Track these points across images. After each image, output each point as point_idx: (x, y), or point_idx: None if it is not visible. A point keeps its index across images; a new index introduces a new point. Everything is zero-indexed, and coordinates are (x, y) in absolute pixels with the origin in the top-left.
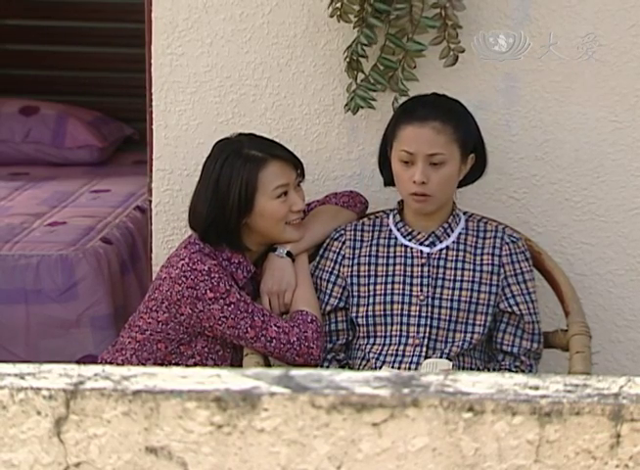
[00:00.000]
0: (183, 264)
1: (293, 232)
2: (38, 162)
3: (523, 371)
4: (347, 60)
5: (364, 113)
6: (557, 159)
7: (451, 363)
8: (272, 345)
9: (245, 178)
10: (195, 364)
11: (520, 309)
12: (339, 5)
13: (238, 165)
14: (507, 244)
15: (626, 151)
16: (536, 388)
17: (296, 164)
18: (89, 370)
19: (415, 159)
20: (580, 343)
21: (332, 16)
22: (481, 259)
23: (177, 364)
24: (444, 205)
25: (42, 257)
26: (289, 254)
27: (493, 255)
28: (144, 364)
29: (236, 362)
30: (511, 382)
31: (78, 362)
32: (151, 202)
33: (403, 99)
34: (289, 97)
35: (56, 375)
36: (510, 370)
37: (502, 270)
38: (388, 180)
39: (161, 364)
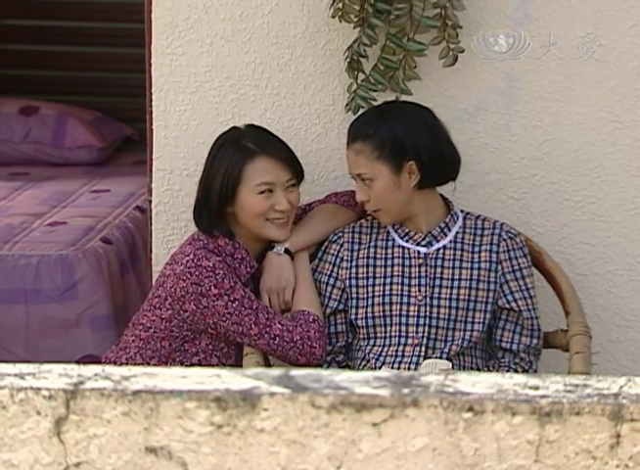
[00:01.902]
0: (188, 261)
1: (274, 230)
2: (38, 162)
3: (523, 367)
4: (348, 60)
5: None
6: (557, 159)
7: (450, 364)
8: (275, 342)
9: (230, 167)
10: (199, 362)
11: (518, 305)
12: (340, 5)
13: (229, 154)
14: (504, 240)
15: (626, 151)
16: (536, 388)
17: (291, 165)
18: (89, 370)
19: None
20: (580, 343)
21: (333, 16)
22: (479, 257)
23: (181, 362)
24: (411, 210)
25: (42, 257)
26: (287, 251)
27: (491, 251)
28: (148, 362)
29: (240, 360)
30: (511, 382)
31: (78, 362)
32: (151, 202)
33: (403, 98)
34: (289, 97)
35: (56, 375)
36: (510, 367)
37: (500, 267)
38: None
39: (166, 362)
